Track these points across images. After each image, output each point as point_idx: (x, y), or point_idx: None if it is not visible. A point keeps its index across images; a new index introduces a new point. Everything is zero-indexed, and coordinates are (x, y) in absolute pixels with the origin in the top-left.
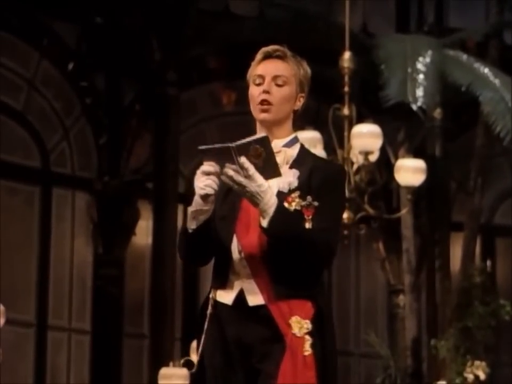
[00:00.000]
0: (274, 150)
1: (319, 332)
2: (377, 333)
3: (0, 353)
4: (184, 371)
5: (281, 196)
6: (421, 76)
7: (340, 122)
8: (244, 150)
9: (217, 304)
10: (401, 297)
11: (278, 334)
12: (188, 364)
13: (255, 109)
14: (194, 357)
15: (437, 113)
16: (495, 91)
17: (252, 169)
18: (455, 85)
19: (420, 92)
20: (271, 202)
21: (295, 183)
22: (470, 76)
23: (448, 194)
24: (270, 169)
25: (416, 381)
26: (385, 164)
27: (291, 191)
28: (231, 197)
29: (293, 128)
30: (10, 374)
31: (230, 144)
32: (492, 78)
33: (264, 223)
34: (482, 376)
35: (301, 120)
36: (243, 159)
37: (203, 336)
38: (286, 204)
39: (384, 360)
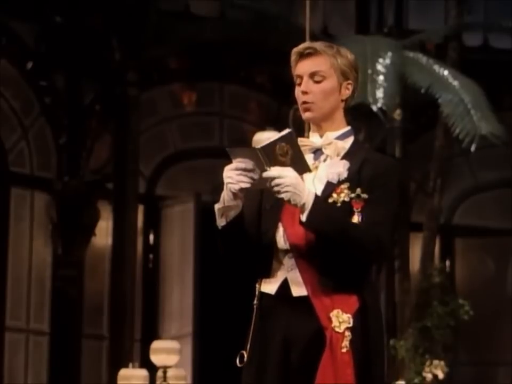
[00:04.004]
0: (325, 142)
1: (361, 328)
2: None
3: None
4: (144, 372)
5: (330, 186)
6: (381, 77)
7: (300, 123)
8: (270, 150)
9: (262, 295)
10: None
11: (318, 327)
12: (241, 358)
13: (300, 109)
14: None
15: (397, 114)
16: (454, 93)
17: (276, 172)
18: (414, 86)
19: (379, 93)
20: (309, 197)
21: (344, 174)
22: (430, 78)
23: (408, 194)
24: (299, 165)
25: None
26: None
27: (340, 182)
28: None
29: (345, 118)
30: None
31: (255, 147)
32: (451, 80)
33: (303, 217)
34: (440, 375)
35: (263, 121)
36: (266, 173)
37: (251, 329)
38: (334, 195)
39: None
